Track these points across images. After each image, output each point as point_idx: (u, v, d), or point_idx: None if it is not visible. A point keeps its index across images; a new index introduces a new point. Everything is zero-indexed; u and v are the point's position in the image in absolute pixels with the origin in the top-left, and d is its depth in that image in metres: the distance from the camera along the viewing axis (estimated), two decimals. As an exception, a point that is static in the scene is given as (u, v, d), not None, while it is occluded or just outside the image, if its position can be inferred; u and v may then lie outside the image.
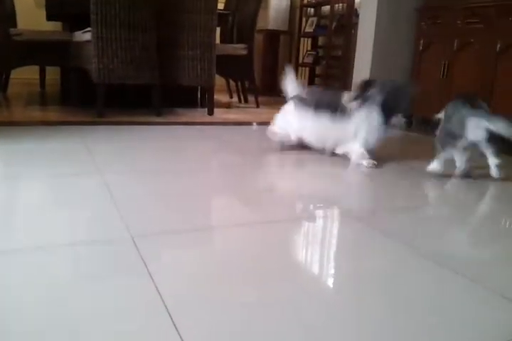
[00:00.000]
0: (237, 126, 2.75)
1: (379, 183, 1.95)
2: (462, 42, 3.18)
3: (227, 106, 4.33)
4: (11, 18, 4.03)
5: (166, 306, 0.86)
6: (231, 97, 4.93)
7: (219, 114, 3.63)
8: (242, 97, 4.57)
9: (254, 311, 0.87)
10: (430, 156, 2.02)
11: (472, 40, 3.11)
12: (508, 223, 1.50)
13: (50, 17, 3.73)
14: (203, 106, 3.93)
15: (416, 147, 2.87)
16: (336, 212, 1.54)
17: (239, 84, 4.56)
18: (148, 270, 0.99)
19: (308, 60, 5.40)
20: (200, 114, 3.68)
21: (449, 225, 1.45)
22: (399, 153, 2.55)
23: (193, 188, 1.70)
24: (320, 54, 5.31)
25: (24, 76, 4.73)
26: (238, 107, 4.25)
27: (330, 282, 1.04)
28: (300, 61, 5.54)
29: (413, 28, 3.59)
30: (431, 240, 1.29)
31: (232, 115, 3.63)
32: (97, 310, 0.84)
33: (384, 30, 3.53)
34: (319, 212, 1.53)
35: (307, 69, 5.53)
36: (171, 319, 0.82)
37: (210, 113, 3.57)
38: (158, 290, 0.91)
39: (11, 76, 4.35)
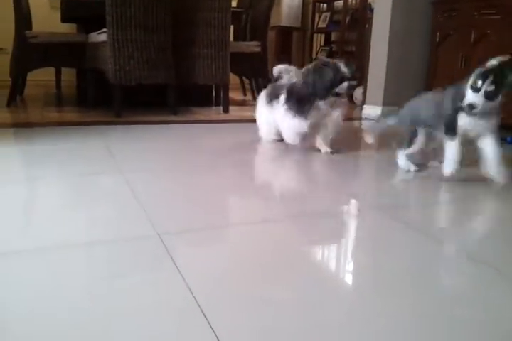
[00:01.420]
0: (252, 123, 2.76)
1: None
2: (479, 34, 3.14)
3: (242, 103, 4.33)
4: (26, 20, 4.07)
5: (197, 302, 0.86)
6: (245, 95, 4.93)
7: (234, 111, 3.64)
8: (256, 95, 4.56)
9: (281, 307, 0.86)
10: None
11: (489, 31, 3.07)
12: None
13: (64, 19, 3.76)
14: (217, 104, 3.93)
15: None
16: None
17: (253, 81, 4.56)
18: (177, 266, 1.00)
19: (322, 55, 5.38)
20: (215, 112, 3.69)
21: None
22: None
23: (213, 185, 1.70)
24: (333, 49, 5.28)
25: (40, 78, 4.77)
26: (253, 105, 4.24)
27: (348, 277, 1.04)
28: (314, 57, 5.51)
29: (428, 21, 3.56)
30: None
31: (247, 113, 3.63)
32: (129, 307, 0.85)
33: (399, 23, 3.50)
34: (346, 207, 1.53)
35: (321, 65, 5.51)
36: (203, 314, 0.82)
37: (226, 111, 3.57)
38: (188, 286, 0.91)
39: (28, 78, 4.40)
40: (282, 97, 2.11)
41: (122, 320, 0.80)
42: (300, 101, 2.03)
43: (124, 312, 0.83)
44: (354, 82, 1.99)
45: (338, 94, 2.01)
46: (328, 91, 1.97)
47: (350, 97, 4.36)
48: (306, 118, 2.03)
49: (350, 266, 1.09)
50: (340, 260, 1.12)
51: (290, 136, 2.11)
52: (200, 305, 0.85)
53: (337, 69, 1.96)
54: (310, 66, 2.08)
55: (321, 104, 2.02)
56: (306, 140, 2.16)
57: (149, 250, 1.09)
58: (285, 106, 2.07)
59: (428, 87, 3.61)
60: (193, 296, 0.88)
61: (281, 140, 2.33)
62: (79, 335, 0.76)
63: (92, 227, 1.24)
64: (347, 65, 1.98)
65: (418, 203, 1.62)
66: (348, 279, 1.03)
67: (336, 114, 2.07)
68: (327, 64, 1.99)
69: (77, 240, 1.14)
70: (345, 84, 1.96)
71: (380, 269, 1.05)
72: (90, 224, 1.27)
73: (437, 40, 3.49)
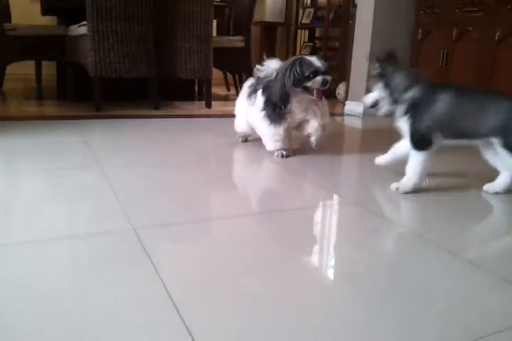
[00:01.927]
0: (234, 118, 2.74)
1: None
2: (461, 31, 3.17)
3: (225, 99, 4.31)
4: (5, 13, 4.00)
5: (171, 297, 0.84)
6: (229, 90, 4.91)
7: (216, 106, 3.61)
8: (239, 90, 4.54)
9: (258, 302, 0.85)
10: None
11: (471, 28, 3.10)
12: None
13: (45, 11, 3.70)
14: (200, 99, 3.91)
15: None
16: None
17: (236, 76, 4.54)
18: (152, 261, 0.98)
19: (306, 51, 5.37)
20: (197, 106, 3.67)
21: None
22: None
23: (192, 180, 1.68)
24: (317, 45, 5.28)
25: (20, 71, 4.69)
26: (236, 100, 4.22)
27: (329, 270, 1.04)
28: (297, 52, 5.51)
29: (411, 18, 3.57)
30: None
31: (229, 108, 3.60)
32: (103, 302, 0.83)
33: (382, 20, 3.50)
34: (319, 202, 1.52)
35: (304, 61, 5.51)
36: (177, 310, 0.80)
37: (208, 106, 3.55)
38: (163, 282, 0.90)
39: (7, 72, 4.32)
40: (259, 94, 2.07)
41: (95, 316, 0.79)
42: (275, 108, 1.99)
43: (98, 306, 0.81)
44: (329, 77, 1.94)
45: (311, 90, 1.95)
46: (299, 84, 1.92)
47: (333, 94, 4.36)
48: (281, 124, 2.00)
49: (329, 260, 1.09)
50: (318, 254, 1.11)
51: (268, 144, 2.09)
52: (174, 301, 0.83)
53: (310, 64, 1.92)
54: (284, 62, 2.06)
55: (295, 107, 1.99)
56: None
57: (124, 245, 1.08)
58: (262, 113, 2.03)
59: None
60: (167, 292, 0.86)
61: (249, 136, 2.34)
62: (51, 330, 0.74)
63: (68, 222, 1.22)
64: (320, 59, 1.95)
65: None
66: (327, 272, 1.02)
67: (315, 113, 2.03)
68: (299, 59, 1.96)
69: (52, 235, 1.11)
70: (318, 78, 1.92)
71: (358, 261, 1.05)
72: (67, 219, 1.25)
73: (419, 36, 3.51)
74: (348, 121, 3.46)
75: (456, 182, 1.78)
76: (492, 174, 1.61)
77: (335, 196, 1.59)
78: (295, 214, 1.36)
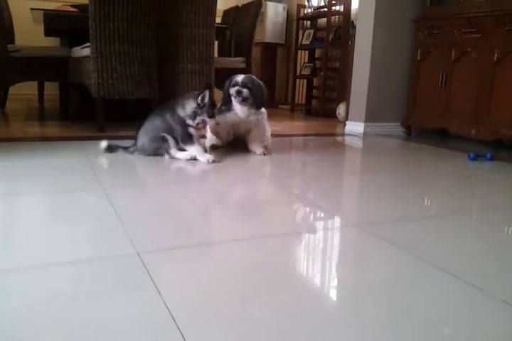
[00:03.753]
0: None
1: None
2: (459, 52, 3.20)
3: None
4: (9, 34, 4.05)
5: (175, 321, 0.84)
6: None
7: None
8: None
9: (260, 325, 0.85)
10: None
11: (469, 49, 3.13)
12: None
13: (48, 33, 3.74)
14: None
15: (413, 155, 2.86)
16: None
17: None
18: (156, 285, 0.98)
19: (306, 71, 5.42)
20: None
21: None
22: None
23: (193, 201, 1.68)
24: (317, 66, 5.33)
25: (22, 92, 4.74)
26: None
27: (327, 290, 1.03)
28: (298, 73, 5.56)
29: (410, 39, 3.62)
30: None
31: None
32: (106, 325, 0.82)
33: (381, 41, 3.55)
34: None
35: (305, 81, 5.56)
36: (181, 334, 0.80)
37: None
38: (166, 306, 0.89)
39: (10, 92, 4.36)
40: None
41: (100, 339, 0.78)
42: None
43: (101, 330, 0.81)
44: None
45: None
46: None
47: (334, 113, 4.39)
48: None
49: (331, 282, 1.08)
50: (320, 275, 1.11)
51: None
52: (178, 324, 0.83)
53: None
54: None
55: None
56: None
57: (128, 269, 1.07)
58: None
59: (410, 103, 3.66)
60: (171, 315, 0.86)
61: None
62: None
63: (71, 246, 1.22)
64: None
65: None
66: (330, 294, 1.02)
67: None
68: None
69: (56, 259, 1.11)
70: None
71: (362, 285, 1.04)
72: (70, 242, 1.24)
73: (418, 57, 3.55)
74: (349, 141, 3.47)
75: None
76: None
77: (336, 217, 1.59)
78: (300, 237, 1.36)
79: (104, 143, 2.40)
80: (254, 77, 2.52)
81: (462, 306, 0.96)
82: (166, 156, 2.33)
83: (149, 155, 2.36)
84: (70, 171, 2.04)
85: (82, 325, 0.83)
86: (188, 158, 2.31)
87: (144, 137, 2.37)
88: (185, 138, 2.31)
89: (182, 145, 2.33)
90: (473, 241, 1.38)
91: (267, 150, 2.57)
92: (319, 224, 1.53)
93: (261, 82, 2.50)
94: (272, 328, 0.84)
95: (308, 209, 1.67)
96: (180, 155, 2.33)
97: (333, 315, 0.91)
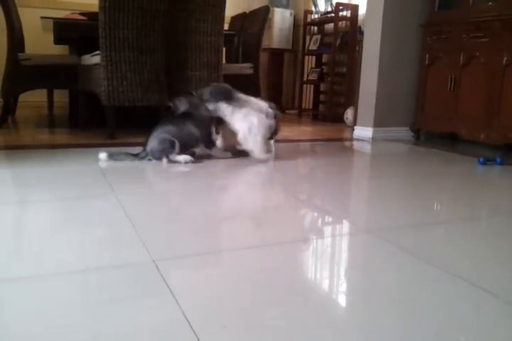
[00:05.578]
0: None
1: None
2: (468, 56, 3.20)
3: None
4: (19, 43, 4.09)
5: (192, 328, 0.84)
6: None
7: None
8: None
9: (276, 332, 0.85)
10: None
11: (478, 53, 3.13)
12: None
13: (57, 41, 3.78)
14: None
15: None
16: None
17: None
18: (172, 293, 0.98)
19: (313, 77, 5.43)
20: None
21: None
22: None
23: (207, 208, 1.69)
24: (324, 71, 5.34)
25: (32, 99, 4.78)
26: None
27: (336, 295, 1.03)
28: (305, 78, 5.57)
29: (418, 44, 3.62)
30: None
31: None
32: (123, 333, 0.83)
33: (389, 46, 3.55)
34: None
35: (312, 86, 5.57)
36: (198, 339, 0.81)
37: (217, 132, 3.58)
38: (183, 313, 0.90)
39: (20, 99, 4.40)
40: None
41: (117, 350, 0.79)
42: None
43: (118, 338, 0.81)
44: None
45: None
46: None
47: (341, 118, 4.40)
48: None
49: (342, 288, 1.08)
50: (332, 282, 1.11)
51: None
52: (195, 331, 0.83)
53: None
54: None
55: None
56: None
57: (145, 276, 1.08)
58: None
59: (418, 107, 3.65)
60: (188, 322, 0.87)
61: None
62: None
63: (86, 253, 1.22)
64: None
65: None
66: (340, 301, 1.02)
67: None
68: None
69: (71, 266, 1.12)
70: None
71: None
72: (84, 249, 1.25)
73: (427, 62, 3.55)
74: (358, 146, 3.47)
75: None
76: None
77: (346, 223, 1.59)
78: (315, 244, 1.36)
79: (102, 155, 2.41)
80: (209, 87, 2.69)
81: (473, 310, 0.96)
82: (164, 160, 2.39)
83: (158, 158, 2.38)
84: (81, 178, 2.06)
85: (97, 332, 0.83)
86: (188, 160, 2.39)
87: (152, 142, 2.40)
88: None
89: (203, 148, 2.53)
90: (484, 246, 1.38)
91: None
92: (330, 231, 1.53)
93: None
94: (285, 335, 0.84)
95: (318, 215, 1.67)
96: (179, 158, 2.39)
97: (345, 321, 0.92)
